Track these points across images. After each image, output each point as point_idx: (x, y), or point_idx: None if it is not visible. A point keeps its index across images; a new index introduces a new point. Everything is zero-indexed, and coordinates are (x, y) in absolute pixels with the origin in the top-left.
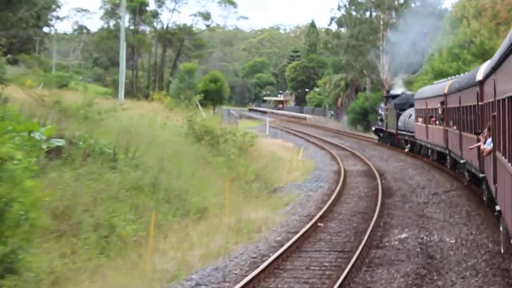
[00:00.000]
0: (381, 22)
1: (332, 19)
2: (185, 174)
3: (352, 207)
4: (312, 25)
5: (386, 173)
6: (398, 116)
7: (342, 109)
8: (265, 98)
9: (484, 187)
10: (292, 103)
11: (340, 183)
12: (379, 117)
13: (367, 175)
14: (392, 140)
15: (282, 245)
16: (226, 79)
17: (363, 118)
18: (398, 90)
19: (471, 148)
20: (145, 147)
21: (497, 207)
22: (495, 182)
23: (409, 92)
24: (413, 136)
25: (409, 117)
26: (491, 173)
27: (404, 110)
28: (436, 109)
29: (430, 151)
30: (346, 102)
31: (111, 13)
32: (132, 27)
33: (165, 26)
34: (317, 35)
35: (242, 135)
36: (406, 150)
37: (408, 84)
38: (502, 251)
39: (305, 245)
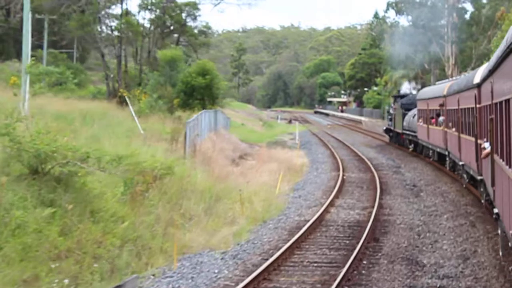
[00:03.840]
0: (446, 6)
1: (388, 4)
2: None
3: None
4: (376, 16)
5: None
6: (403, 116)
7: None
8: (329, 99)
9: (482, 189)
10: (353, 105)
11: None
12: (388, 117)
13: None
14: (399, 140)
15: None
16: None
17: None
18: (407, 90)
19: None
20: None
21: (495, 210)
22: (493, 184)
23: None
24: (416, 136)
25: (413, 117)
26: (489, 176)
27: (410, 110)
28: (437, 111)
29: (431, 151)
30: None
31: None
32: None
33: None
34: (382, 28)
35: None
36: (410, 150)
37: None
38: (501, 253)
39: None
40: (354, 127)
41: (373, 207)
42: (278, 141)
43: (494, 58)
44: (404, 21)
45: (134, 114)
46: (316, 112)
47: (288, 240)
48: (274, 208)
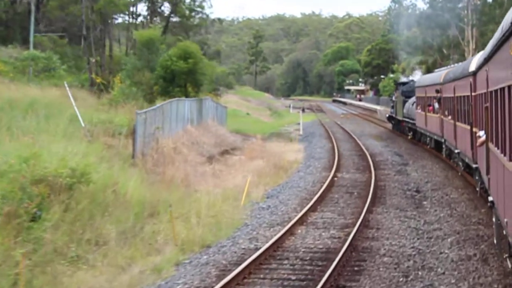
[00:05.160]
0: None
1: None
2: None
3: None
4: (394, 0)
5: None
6: (404, 103)
7: None
8: (346, 87)
9: (477, 177)
10: (371, 93)
11: None
12: (391, 105)
13: None
14: (400, 127)
15: None
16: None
17: None
18: (415, 77)
19: None
20: None
21: (490, 198)
22: (487, 173)
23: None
24: (414, 124)
25: (413, 104)
26: (484, 164)
27: (410, 97)
28: (433, 98)
29: (428, 139)
30: None
31: None
32: None
33: None
34: (399, 11)
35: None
36: (409, 137)
37: None
38: (495, 242)
39: None
40: (368, 116)
41: (355, 225)
42: (281, 132)
43: (489, 46)
44: (421, 3)
45: (74, 103)
46: (334, 101)
47: None
48: (225, 226)
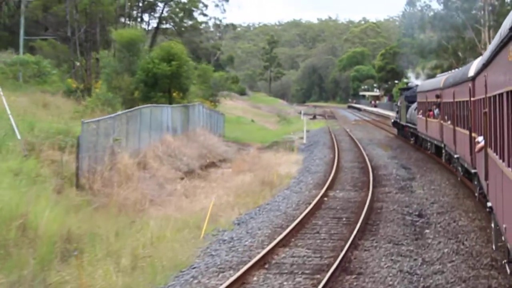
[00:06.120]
0: None
1: None
2: None
3: None
4: (409, 4)
5: None
6: (407, 108)
7: None
8: (361, 93)
9: (476, 182)
10: (385, 99)
11: None
12: (396, 110)
13: None
14: (403, 133)
15: None
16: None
17: None
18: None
19: None
20: None
21: (489, 204)
22: (486, 178)
23: None
24: (416, 129)
25: (415, 109)
26: (483, 169)
27: (413, 102)
28: (433, 103)
29: (429, 144)
30: None
31: None
32: None
33: None
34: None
35: None
36: (411, 142)
37: None
38: (494, 247)
39: None
40: (381, 123)
41: (330, 268)
42: (284, 141)
43: (488, 51)
44: (435, 4)
45: (8, 111)
46: (349, 107)
47: None
48: (162, 270)
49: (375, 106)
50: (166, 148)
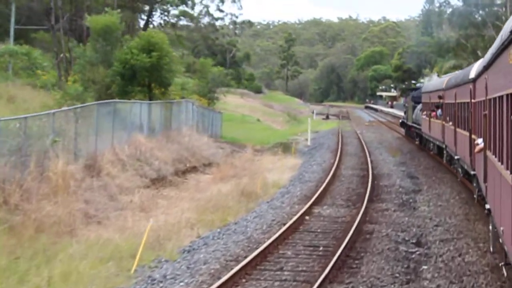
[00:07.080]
0: None
1: None
2: None
3: None
4: (429, 0)
5: None
6: (413, 109)
7: None
8: (378, 93)
9: (475, 184)
10: (402, 99)
11: None
12: (404, 110)
13: None
14: (409, 133)
15: None
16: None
17: None
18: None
19: None
20: None
21: (487, 206)
22: (485, 180)
23: None
24: (420, 129)
25: (420, 110)
26: (482, 171)
27: (419, 103)
28: (436, 104)
29: (432, 144)
30: None
31: None
32: None
33: None
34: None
35: None
36: (416, 142)
37: None
38: (492, 250)
39: None
40: (395, 125)
41: None
42: (287, 142)
43: (489, 54)
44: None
45: None
46: (366, 107)
47: None
48: None
49: (392, 106)
50: (135, 150)
